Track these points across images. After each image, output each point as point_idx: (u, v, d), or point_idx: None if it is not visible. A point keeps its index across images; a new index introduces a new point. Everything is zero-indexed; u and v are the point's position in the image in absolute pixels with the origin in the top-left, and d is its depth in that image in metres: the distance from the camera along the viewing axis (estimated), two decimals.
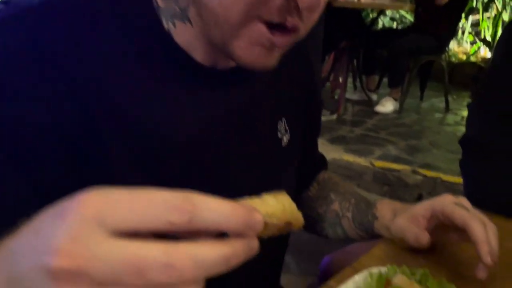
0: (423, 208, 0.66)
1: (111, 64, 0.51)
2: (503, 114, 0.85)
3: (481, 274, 0.59)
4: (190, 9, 0.53)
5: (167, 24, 0.54)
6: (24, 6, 0.49)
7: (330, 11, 3.45)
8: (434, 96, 4.42)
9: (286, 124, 0.68)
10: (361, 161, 2.89)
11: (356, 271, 0.63)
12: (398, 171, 2.75)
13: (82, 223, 0.26)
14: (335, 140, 3.23)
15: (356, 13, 4.21)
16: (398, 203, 0.74)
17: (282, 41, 0.51)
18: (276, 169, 0.68)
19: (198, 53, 0.56)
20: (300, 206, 0.87)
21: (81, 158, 0.49)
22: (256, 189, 0.63)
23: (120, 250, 0.26)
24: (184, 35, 0.55)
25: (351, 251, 0.96)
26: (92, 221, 0.26)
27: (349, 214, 0.77)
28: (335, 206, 0.79)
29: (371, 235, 0.76)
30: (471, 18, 5.52)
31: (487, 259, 0.58)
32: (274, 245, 0.71)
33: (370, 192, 2.75)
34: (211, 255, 0.27)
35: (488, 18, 5.41)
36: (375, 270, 0.62)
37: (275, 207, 0.33)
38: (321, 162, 0.88)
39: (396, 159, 2.93)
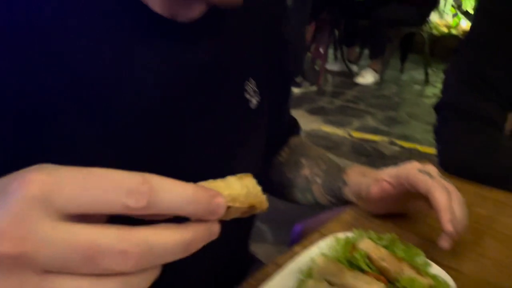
0: (389, 173, 0.64)
1: (64, 20, 0.46)
2: (479, 77, 0.83)
3: (443, 243, 0.56)
4: None
5: None
6: None
7: None
8: (414, 69, 4.42)
9: (255, 85, 0.64)
10: (339, 132, 2.88)
11: (323, 236, 0.61)
12: (376, 142, 2.76)
13: (27, 204, 0.23)
14: (315, 111, 3.21)
15: None
16: (368, 168, 0.72)
17: None
18: (244, 131, 0.64)
19: (157, 4, 0.51)
20: (270, 171, 0.84)
21: (36, 121, 0.45)
22: (223, 151, 0.60)
23: (69, 234, 0.23)
24: None
25: (322, 218, 0.94)
26: (38, 202, 0.23)
27: (319, 180, 0.75)
28: (305, 171, 0.77)
29: (341, 202, 0.74)
30: None
31: (448, 227, 0.55)
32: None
33: (348, 163, 2.76)
34: (169, 241, 0.24)
35: None
36: (341, 235, 0.60)
37: (239, 190, 0.31)
38: (293, 127, 0.85)
39: (375, 130, 2.93)
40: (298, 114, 3.23)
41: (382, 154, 2.64)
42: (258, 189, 0.32)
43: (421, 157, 2.63)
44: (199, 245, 0.26)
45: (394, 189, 0.63)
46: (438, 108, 0.87)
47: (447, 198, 0.57)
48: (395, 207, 0.67)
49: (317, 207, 0.79)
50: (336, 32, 4.30)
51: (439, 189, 0.57)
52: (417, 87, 4.06)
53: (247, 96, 0.63)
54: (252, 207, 0.31)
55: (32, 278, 0.23)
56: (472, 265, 0.58)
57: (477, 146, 0.80)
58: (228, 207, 0.29)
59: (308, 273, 0.53)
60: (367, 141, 2.77)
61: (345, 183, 0.72)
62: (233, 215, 0.31)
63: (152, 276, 0.25)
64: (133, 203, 0.24)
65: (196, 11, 0.54)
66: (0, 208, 0.23)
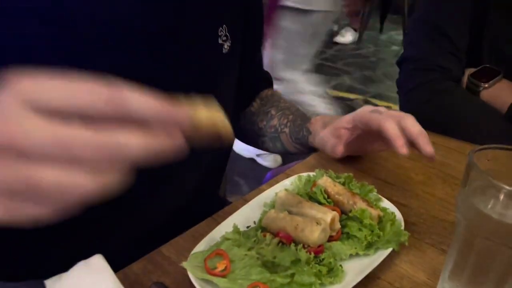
0: (345, 120, 0.69)
1: None
2: (435, 29, 0.87)
3: (401, 150, 0.59)
4: None
5: None
6: None
7: None
8: (394, 29, 4.44)
9: (226, 30, 0.67)
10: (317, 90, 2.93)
11: (288, 176, 0.67)
12: (351, 100, 2.82)
13: (12, 102, 0.27)
14: None
15: None
16: (331, 116, 0.77)
17: None
18: (217, 74, 0.68)
19: None
20: (243, 120, 0.88)
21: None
22: (197, 93, 0.63)
23: (49, 127, 0.27)
24: None
25: (292, 167, 1.01)
26: (22, 100, 0.27)
27: (286, 130, 0.80)
28: (275, 121, 0.82)
29: (307, 148, 0.80)
30: None
31: (403, 150, 0.59)
32: (213, 156, 0.74)
33: None
34: (134, 142, 0.28)
35: None
36: (304, 174, 0.66)
37: (205, 114, 0.33)
38: (266, 80, 0.89)
39: (350, 89, 2.99)
40: None
41: None
42: (223, 118, 0.36)
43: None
44: (163, 152, 0.29)
45: (351, 134, 0.69)
46: (400, 62, 0.92)
47: (397, 127, 0.61)
48: (355, 150, 0.73)
49: (287, 155, 0.85)
50: None
51: (388, 120, 0.62)
52: (395, 48, 4.10)
53: (220, 41, 0.67)
54: (217, 134, 0.35)
55: (16, 164, 0.27)
56: (419, 201, 0.65)
57: (435, 98, 0.86)
58: (194, 127, 0.31)
59: (271, 205, 0.59)
60: (342, 99, 2.84)
61: (309, 132, 0.77)
62: (199, 138, 0.33)
63: (118, 174, 0.28)
64: (104, 104, 0.27)
65: None
66: None
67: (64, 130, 0.27)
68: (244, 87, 0.78)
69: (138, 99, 0.28)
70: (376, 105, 2.78)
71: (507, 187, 0.38)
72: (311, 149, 0.79)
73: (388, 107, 2.79)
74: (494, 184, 0.39)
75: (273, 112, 0.83)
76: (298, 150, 0.82)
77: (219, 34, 0.66)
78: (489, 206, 0.41)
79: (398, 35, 4.27)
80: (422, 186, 0.69)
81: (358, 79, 3.18)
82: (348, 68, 3.37)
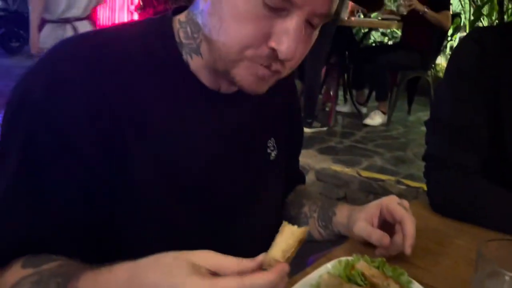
0: (375, 206, 0.80)
1: (143, 91, 0.67)
2: (452, 129, 0.99)
3: (407, 251, 0.75)
4: (202, 45, 0.69)
5: (185, 56, 0.71)
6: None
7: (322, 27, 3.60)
8: (421, 110, 4.59)
9: (274, 142, 0.83)
10: (348, 170, 3.04)
11: (329, 260, 0.78)
12: (383, 181, 2.90)
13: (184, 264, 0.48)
14: (325, 151, 3.38)
15: (347, 30, 4.39)
16: (355, 207, 0.87)
17: (268, 74, 0.66)
18: (266, 177, 0.83)
19: (206, 79, 0.72)
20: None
21: (113, 161, 0.64)
22: (250, 193, 0.78)
23: (219, 282, 0.46)
24: (197, 64, 0.71)
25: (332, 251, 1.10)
26: (189, 263, 0.48)
27: (315, 215, 0.92)
28: (305, 209, 0.94)
29: (330, 233, 0.90)
30: (459, 35, 5.72)
31: (408, 250, 0.75)
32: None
33: (356, 200, 2.90)
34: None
35: None
36: (343, 258, 0.76)
37: (286, 242, 0.51)
38: (301, 177, 1.04)
39: (382, 170, 3.08)
40: (309, 154, 3.40)
41: (389, 192, 2.78)
42: (295, 228, 0.51)
43: (425, 195, 2.74)
44: None
45: (378, 219, 0.80)
46: (424, 159, 1.04)
47: (414, 229, 0.74)
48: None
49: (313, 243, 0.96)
50: (345, 76, 4.53)
51: (410, 220, 0.75)
52: (423, 128, 4.19)
53: (269, 150, 0.82)
54: (300, 241, 0.51)
55: None
56: (446, 284, 0.73)
57: (458, 191, 0.96)
58: (288, 258, 0.49)
59: (316, 286, 0.69)
60: (374, 179, 2.92)
61: (334, 213, 0.88)
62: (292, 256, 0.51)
63: None
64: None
65: (234, 87, 0.74)
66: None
67: (227, 281, 0.46)
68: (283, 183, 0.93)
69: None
70: (409, 186, 2.85)
71: (510, 274, 0.48)
72: (334, 235, 0.89)
73: (421, 188, 2.82)
74: (499, 272, 0.48)
75: (304, 201, 0.96)
76: (320, 235, 0.92)
77: (268, 145, 0.82)
78: None
79: (426, 116, 4.39)
80: (449, 270, 0.77)
81: (389, 160, 3.27)
82: (378, 149, 3.48)
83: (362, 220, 0.81)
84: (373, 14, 4.95)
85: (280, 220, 0.56)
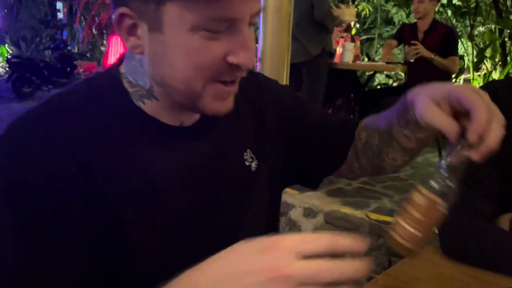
0: (445, 90, 0.65)
1: (99, 140, 0.67)
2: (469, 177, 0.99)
3: (473, 155, 0.60)
4: (154, 89, 0.71)
5: (137, 102, 0.71)
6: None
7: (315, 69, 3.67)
8: (429, 151, 4.58)
9: (251, 153, 0.83)
10: (357, 213, 3.01)
11: None
12: None
13: (283, 253, 0.48)
14: (333, 193, 3.36)
15: (352, 73, 4.47)
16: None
17: (234, 89, 0.69)
18: (247, 190, 0.82)
19: (166, 118, 0.73)
20: (359, 152, 0.96)
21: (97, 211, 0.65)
22: (231, 209, 0.77)
23: (309, 263, 0.47)
24: (153, 108, 0.72)
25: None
26: (291, 252, 0.48)
27: (394, 120, 0.80)
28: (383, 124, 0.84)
29: (413, 128, 0.77)
30: (463, 77, 5.80)
31: (473, 136, 0.59)
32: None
33: None
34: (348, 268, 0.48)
35: (479, 76, 5.69)
36: None
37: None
38: (351, 122, 0.94)
39: (391, 212, 3.05)
40: (318, 196, 3.38)
41: None
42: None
43: (436, 237, 2.70)
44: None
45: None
46: None
47: (486, 117, 0.59)
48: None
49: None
50: (351, 117, 4.57)
51: (483, 106, 0.59)
52: (431, 169, 4.18)
53: (247, 163, 0.82)
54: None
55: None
56: None
57: (471, 236, 0.95)
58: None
59: None
60: (384, 222, 2.88)
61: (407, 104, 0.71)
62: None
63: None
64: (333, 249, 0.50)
65: (196, 117, 0.75)
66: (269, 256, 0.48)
67: (318, 263, 0.47)
68: (336, 144, 0.91)
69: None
70: None
71: None
72: (415, 127, 0.76)
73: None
74: None
75: (377, 123, 0.87)
76: (408, 139, 0.80)
77: (245, 158, 0.81)
78: None
79: (434, 157, 4.39)
80: None
81: (398, 202, 3.24)
82: (387, 191, 3.46)
83: (432, 103, 0.64)
84: (376, 58, 5.04)
85: (274, 224, 0.57)
